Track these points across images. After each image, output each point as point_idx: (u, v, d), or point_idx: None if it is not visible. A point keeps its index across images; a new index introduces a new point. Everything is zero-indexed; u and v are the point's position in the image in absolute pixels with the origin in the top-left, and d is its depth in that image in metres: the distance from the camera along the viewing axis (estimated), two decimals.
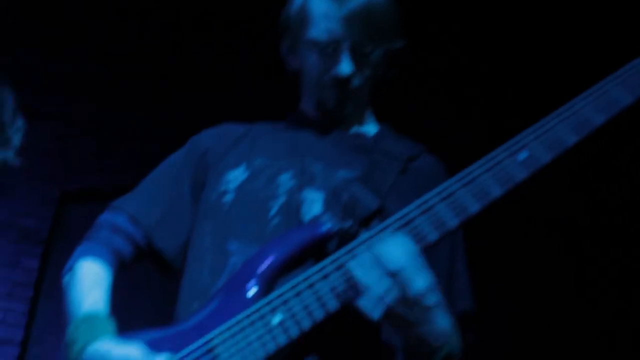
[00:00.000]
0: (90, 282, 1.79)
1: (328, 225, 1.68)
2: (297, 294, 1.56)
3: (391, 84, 2.04)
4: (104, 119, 5.96)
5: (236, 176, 1.88)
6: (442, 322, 1.56)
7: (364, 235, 1.61)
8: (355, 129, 2.00)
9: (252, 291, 1.62)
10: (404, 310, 1.49)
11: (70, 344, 1.63)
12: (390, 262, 1.49)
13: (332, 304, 1.55)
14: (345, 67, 1.85)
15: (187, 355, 1.57)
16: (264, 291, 1.63)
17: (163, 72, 5.52)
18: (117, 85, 5.75)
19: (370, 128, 2.03)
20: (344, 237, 1.67)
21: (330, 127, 1.98)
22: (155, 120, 5.90)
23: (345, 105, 1.93)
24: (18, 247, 5.57)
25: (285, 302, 1.56)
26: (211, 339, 1.58)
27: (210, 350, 1.57)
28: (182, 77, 5.52)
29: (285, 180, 1.83)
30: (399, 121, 2.09)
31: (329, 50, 1.86)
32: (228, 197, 1.85)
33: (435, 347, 1.55)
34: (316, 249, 1.68)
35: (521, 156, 1.57)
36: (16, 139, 2.26)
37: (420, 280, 1.49)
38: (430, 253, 1.60)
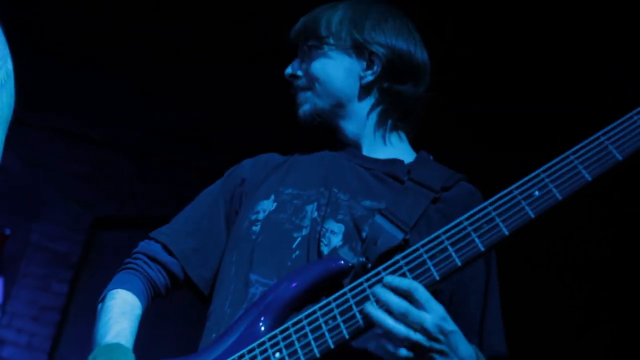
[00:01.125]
0: (118, 312, 1.78)
1: (342, 261, 1.67)
2: (299, 331, 1.57)
3: (417, 117, 2.04)
4: (143, 147, 6.00)
5: (266, 206, 1.88)
6: (465, 349, 1.53)
7: (374, 272, 1.58)
8: (389, 155, 1.96)
9: (264, 326, 1.64)
10: (429, 344, 1.47)
11: None
12: (396, 304, 1.49)
13: (330, 344, 1.54)
14: (288, 68, 2.06)
15: None
16: (277, 326, 1.63)
17: (206, 103, 5.52)
18: (159, 114, 5.77)
19: (406, 155, 1.98)
20: (359, 273, 1.65)
21: (364, 154, 1.97)
22: (195, 152, 5.91)
23: (302, 109, 2.01)
24: (48, 270, 5.60)
25: (286, 339, 1.57)
26: None
27: None
28: (225, 111, 5.51)
29: (311, 211, 1.82)
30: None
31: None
32: (256, 228, 1.86)
33: None
34: (331, 284, 1.67)
35: (533, 195, 1.53)
36: None
37: (432, 314, 1.48)
38: (462, 291, 1.64)
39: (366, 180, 1.88)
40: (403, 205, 1.78)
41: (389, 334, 1.47)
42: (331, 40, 1.98)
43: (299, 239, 1.78)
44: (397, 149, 2.00)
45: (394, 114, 2.00)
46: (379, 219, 1.75)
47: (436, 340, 1.46)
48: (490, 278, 1.82)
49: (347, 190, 1.84)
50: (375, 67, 1.96)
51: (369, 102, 1.99)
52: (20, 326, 5.40)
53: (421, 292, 1.48)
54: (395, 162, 1.93)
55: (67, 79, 5.47)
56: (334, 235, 1.76)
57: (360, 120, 1.99)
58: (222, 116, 5.54)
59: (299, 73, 2.03)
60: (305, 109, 2.00)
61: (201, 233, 1.97)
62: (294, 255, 1.76)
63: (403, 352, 1.46)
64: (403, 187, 1.84)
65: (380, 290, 1.51)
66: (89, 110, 5.78)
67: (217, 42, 4.95)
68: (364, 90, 1.98)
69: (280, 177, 1.96)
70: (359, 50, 1.97)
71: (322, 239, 1.75)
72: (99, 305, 1.85)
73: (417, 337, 1.46)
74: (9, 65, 1.44)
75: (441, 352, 1.48)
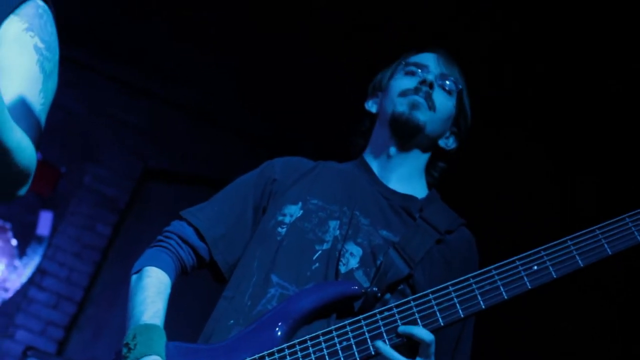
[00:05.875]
0: (155, 291, 1.97)
1: (356, 286, 1.91)
2: (317, 345, 1.80)
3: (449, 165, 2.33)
4: (203, 108, 6.14)
5: (293, 211, 2.09)
6: None
7: (387, 307, 1.84)
8: (406, 190, 2.19)
9: (281, 331, 1.85)
10: None
11: (127, 348, 1.81)
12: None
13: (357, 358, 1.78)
14: (430, 75, 2.21)
15: None
16: (291, 333, 1.86)
17: (270, 76, 5.59)
18: (223, 77, 5.86)
19: (421, 191, 2.22)
20: (369, 299, 1.91)
21: (385, 184, 2.18)
22: (250, 121, 6.01)
23: (417, 114, 2.16)
24: (95, 212, 5.83)
25: (304, 350, 1.80)
26: None
27: None
28: (287, 85, 5.59)
29: (333, 228, 2.04)
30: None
31: (420, 71, 2.23)
32: (282, 230, 2.06)
33: None
34: (343, 304, 1.91)
35: (532, 269, 1.81)
36: None
37: None
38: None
39: (384, 210, 2.11)
40: (412, 241, 2.03)
41: None
42: (458, 99, 2.28)
43: (319, 252, 2.01)
44: (415, 186, 2.22)
45: (433, 171, 2.31)
46: (392, 252, 1.99)
47: None
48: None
49: (367, 215, 2.07)
50: (450, 142, 2.28)
51: (430, 153, 2.27)
52: (62, 260, 5.64)
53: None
54: (410, 199, 2.17)
55: (140, 34, 5.58)
56: (352, 257, 1.98)
57: (414, 156, 2.24)
58: (277, 88, 5.64)
59: (433, 92, 2.21)
60: (419, 116, 2.17)
61: (231, 221, 2.15)
62: (313, 267, 1.98)
63: None
64: (414, 224, 2.08)
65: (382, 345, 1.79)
66: (154, 67, 5.93)
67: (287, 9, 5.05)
68: (437, 147, 2.27)
69: (308, 185, 2.16)
70: (455, 121, 2.28)
71: (342, 259, 1.98)
72: (135, 277, 2.04)
73: None
74: (57, 56, 1.64)
75: None
